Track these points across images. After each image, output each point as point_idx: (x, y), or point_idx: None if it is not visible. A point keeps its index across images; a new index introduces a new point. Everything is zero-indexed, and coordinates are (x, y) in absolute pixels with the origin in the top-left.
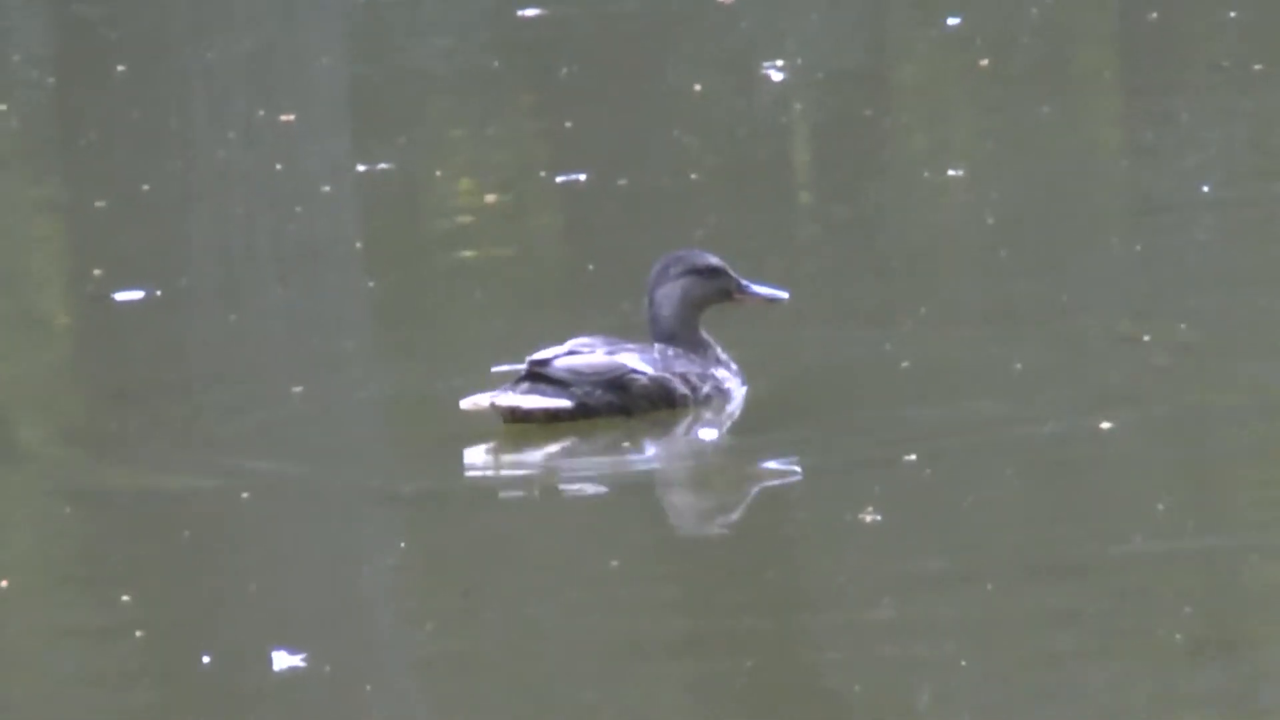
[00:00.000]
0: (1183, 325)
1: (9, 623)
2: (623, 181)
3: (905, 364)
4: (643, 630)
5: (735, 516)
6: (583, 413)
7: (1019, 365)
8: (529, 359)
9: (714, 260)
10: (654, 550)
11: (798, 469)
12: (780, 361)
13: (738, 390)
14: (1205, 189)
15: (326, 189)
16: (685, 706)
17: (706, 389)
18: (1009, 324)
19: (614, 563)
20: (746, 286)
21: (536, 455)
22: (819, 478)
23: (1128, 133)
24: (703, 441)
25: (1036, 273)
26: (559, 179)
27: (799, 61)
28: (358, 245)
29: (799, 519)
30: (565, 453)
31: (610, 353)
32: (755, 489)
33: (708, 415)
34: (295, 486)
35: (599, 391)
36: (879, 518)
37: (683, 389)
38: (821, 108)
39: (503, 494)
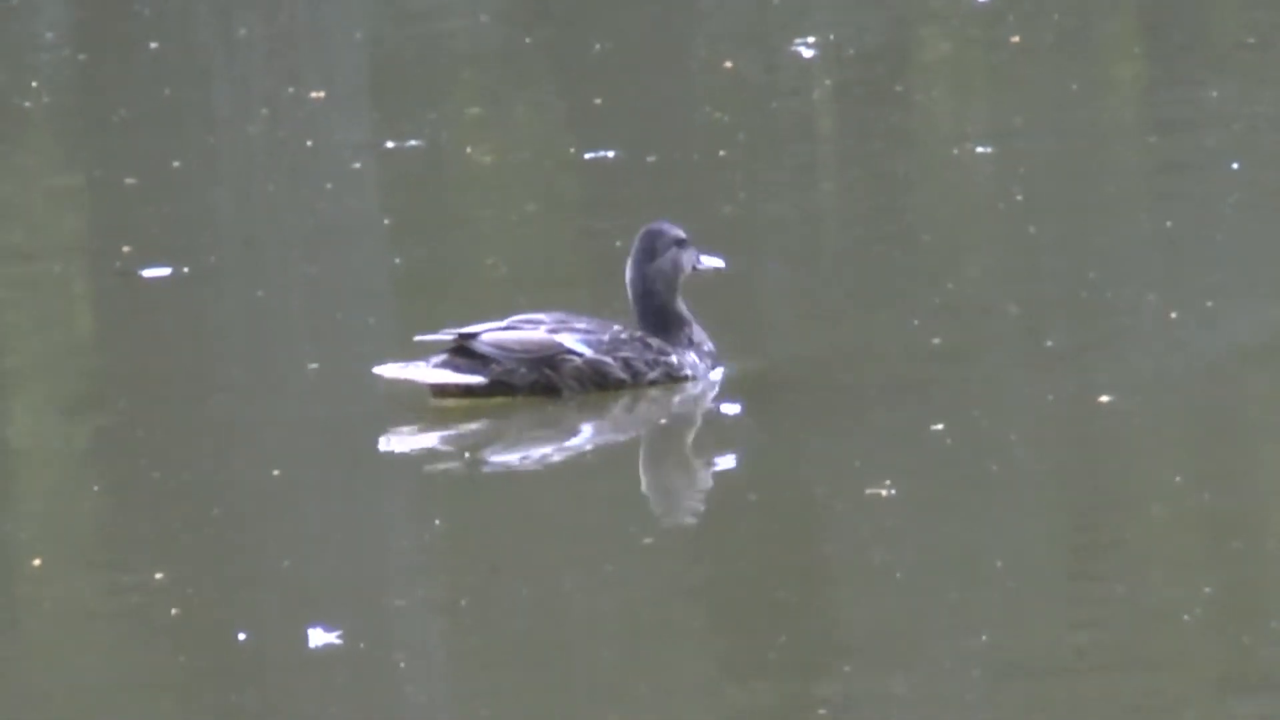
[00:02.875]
0: (1209, 302)
1: (42, 601)
2: (652, 158)
3: (935, 340)
4: (672, 605)
5: (758, 490)
6: (501, 390)
7: (1050, 342)
8: (458, 332)
9: (680, 230)
10: (677, 526)
11: (819, 441)
12: (807, 336)
13: (701, 375)
14: (1234, 165)
15: (355, 166)
16: (713, 680)
17: (654, 374)
18: (1037, 300)
19: (647, 540)
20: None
21: (560, 432)
22: (847, 451)
23: (1156, 109)
24: (726, 416)
25: (1064, 248)
26: (588, 155)
27: (830, 38)
28: (385, 222)
29: (824, 492)
30: (588, 429)
31: (552, 331)
32: (777, 462)
33: (653, 395)
34: (324, 463)
35: (523, 369)
36: (894, 491)
37: (620, 373)
38: (851, 84)
39: (530, 469)
